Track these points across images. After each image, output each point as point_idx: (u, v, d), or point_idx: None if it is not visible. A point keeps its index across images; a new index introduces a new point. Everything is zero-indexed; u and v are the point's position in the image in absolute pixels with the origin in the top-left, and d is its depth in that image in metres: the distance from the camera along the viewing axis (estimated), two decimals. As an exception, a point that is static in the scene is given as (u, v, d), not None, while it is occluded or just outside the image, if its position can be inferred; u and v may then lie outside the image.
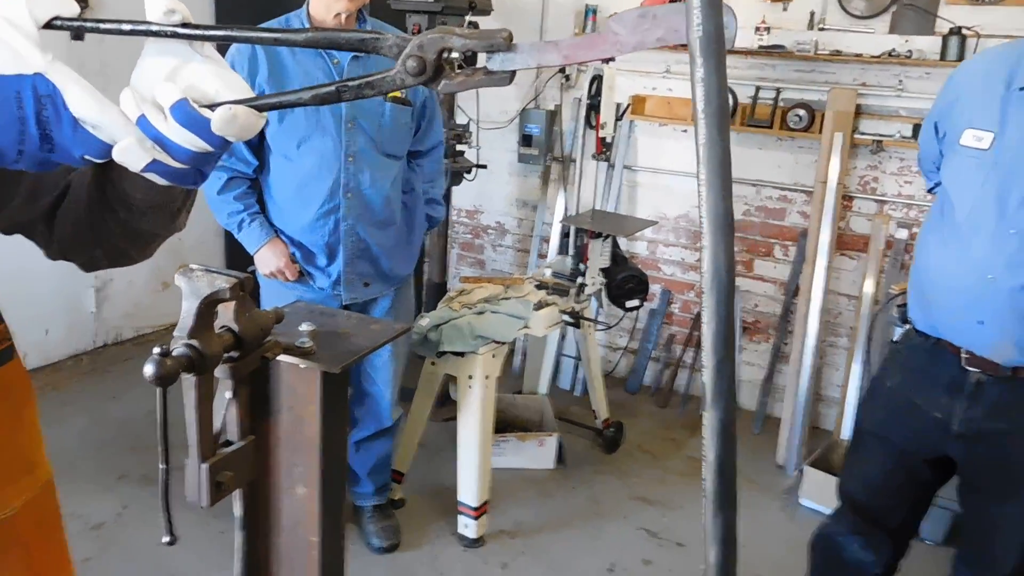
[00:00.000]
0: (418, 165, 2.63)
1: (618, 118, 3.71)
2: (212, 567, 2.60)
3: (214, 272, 0.89)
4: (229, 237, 3.33)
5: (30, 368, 0.88)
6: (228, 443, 0.99)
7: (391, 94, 2.37)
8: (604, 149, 3.19)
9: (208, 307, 0.88)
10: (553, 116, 4.15)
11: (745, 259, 3.96)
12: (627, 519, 3.07)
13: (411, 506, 3.04)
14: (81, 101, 0.62)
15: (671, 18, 0.62)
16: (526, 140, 4.19)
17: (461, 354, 2.74)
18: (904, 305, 2.02)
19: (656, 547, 2.91)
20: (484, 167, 3.75)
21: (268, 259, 2.42)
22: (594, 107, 3.17)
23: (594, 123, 3.18)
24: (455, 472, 2.81)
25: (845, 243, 3.69)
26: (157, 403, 0.84)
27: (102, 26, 0.66)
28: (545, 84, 4.18)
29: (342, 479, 1.50)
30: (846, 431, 3.48)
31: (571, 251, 3.28)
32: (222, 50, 0.87)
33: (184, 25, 0.66)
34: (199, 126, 0.64)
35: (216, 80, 0.66)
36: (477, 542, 2.83)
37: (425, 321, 2.78)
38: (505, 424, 3.48)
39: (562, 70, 4.08)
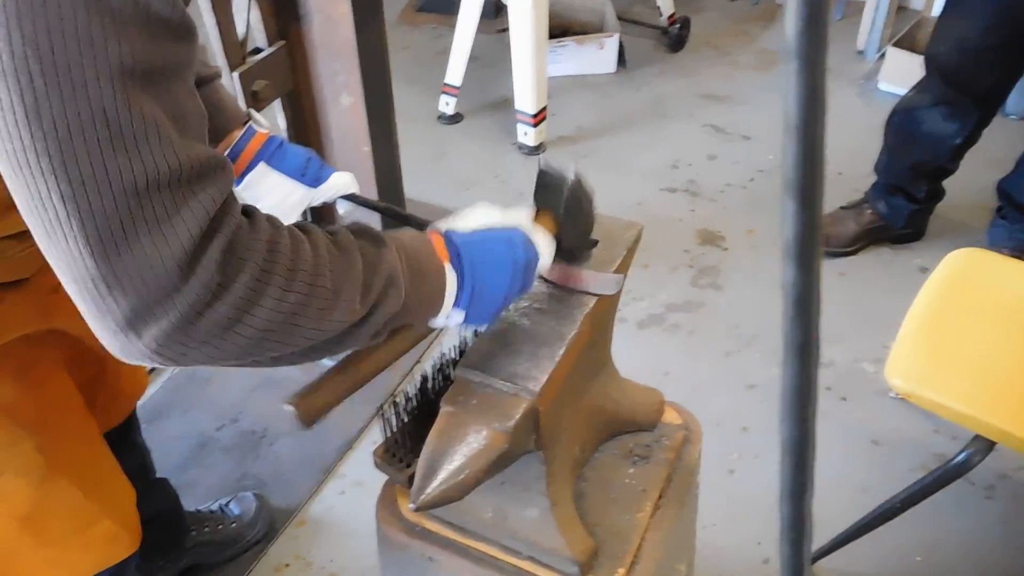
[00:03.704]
0: None
1: None
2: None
3: None
4: None
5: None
6: (258, 51, 0.91)
7: None
8: None
9: None
10: None
11: None
12: (692, 117, 2.99)
13: (469, 120, 3.01)
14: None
15: None
16: None
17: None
18: None
19: (722, 142, 2.86)
20: None
21: None
22: None
23: None
24: (512, 84, 2.72)
25: None
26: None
27: None
28: None
29: (387, 86, 1.44)
30: (937, 7, 3.16)
31: None
32: None
33: None
34: None
35: None
36: (537, 149, 2.83)
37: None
38: (563, 29, 3.28)
39: None
